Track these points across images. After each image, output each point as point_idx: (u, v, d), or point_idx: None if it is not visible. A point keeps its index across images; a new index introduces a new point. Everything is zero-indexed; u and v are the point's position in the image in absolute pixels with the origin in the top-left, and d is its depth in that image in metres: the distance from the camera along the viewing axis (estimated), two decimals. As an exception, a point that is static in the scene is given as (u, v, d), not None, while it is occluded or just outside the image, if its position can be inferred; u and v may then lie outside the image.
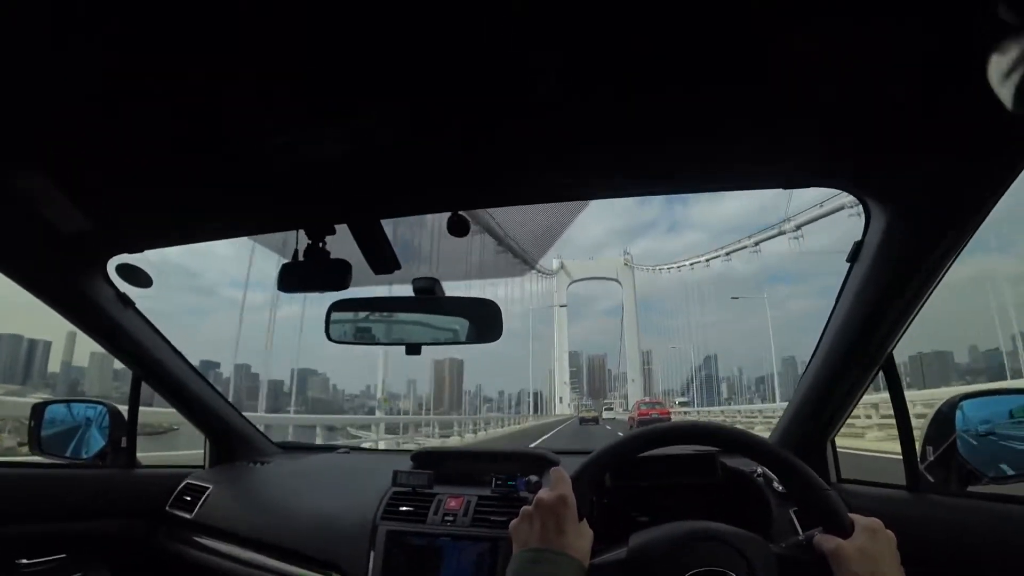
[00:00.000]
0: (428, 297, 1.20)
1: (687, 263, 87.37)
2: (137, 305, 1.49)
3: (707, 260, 79.81)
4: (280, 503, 1.56)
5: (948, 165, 0.80)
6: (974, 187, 0.81)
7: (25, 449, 6.32)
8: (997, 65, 0.32)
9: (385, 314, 1.29)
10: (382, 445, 11.99)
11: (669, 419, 29.34)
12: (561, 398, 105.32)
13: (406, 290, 1.20)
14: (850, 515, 0.79)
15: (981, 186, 0.80)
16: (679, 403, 75.69)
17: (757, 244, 64.58)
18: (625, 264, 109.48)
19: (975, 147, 0.75)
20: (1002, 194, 0.79)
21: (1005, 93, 0.32)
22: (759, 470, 1.24)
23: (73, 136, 0.84)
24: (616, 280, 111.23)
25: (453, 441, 16.94)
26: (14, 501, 1.41)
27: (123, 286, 1.42)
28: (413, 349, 1.23)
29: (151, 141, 0.86)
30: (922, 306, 1.02)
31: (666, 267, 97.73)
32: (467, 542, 1.24)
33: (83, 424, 1.73)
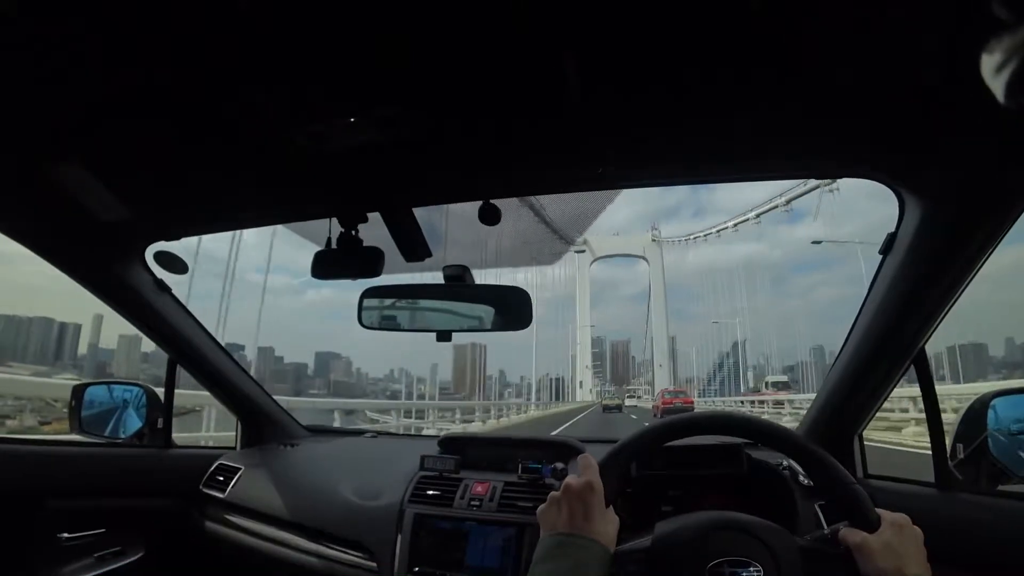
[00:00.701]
0: (458, 285, 1.22)
1: (714, 231, 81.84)
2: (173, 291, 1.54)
3: (735, 225, 74.07)
4: (309, 485, 1.60)
5: (983, 158, 0.78)
6: (1010, 180, 0.80)
7: (46, 428, 6.54)
8: (989, 60, 0.32)
9: (416, 301, 1.31)
10: (401, 429, 11.98)
11: (693, 408, 28.55)
12: (582, 383, 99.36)
13: (437, 277, 1.22)
14: (877, 510, 0.79)
15: (1017, 179, 0.79)
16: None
17: (788, 203, 60.78)
18: (653, 240, 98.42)
19: (1012, 139, 0.74)
20: None
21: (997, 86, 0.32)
22: (785, 463, 1.23)
23: (112, 129, 0.88)
24: (643, 257, 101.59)
25: (475, 427, 16.72)
26: (55, 478, 1.47)
27: (160, 272, 1.47)
28: (444, 336, 1.25)
29: (186, 132, 0.89)
30: (956, 299, 1.00)
31: (695, 237, 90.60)
32: (493, 526, 1.26)
33: (121, 405, 1.79)
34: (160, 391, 1.78)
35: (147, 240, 1.36)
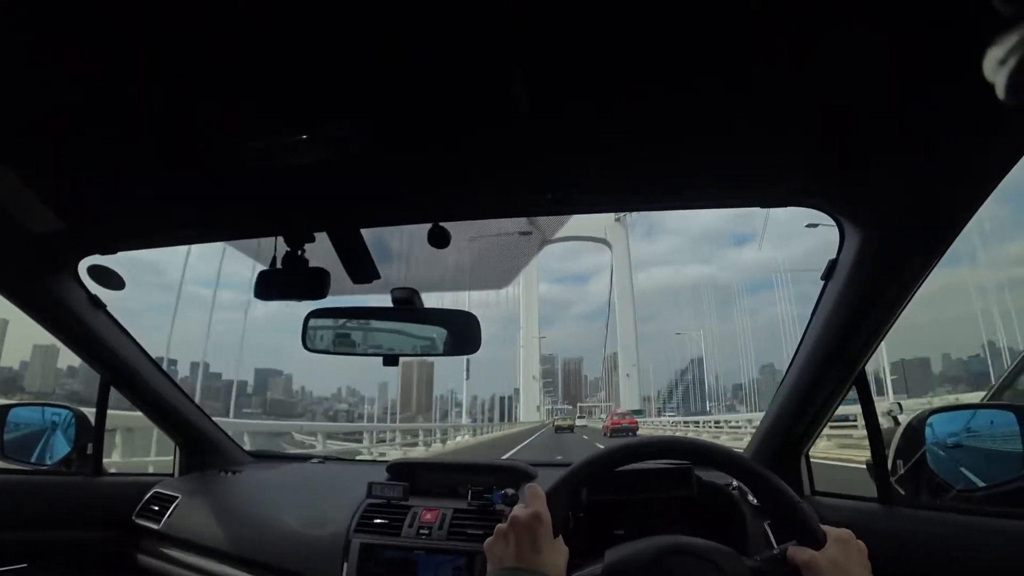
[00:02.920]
0: (407, 308, 1.20)
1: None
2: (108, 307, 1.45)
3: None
4: (251, 514, 1.52)
5: (918, 187, 0.82)
6: (945, 207, 0.83)
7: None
8: (992, 56, 0.33)
9: (363, 323, 1.28)
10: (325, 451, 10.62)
11: (637, 428, 30.46)
12: (532, 403, 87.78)
13: (385, 299, 1.19)
14: (822, 527, 0.81)
15: (952, 206, 0.82)
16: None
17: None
18: (616, 221, 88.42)
19: (947, 168, 0.77)
20: (974, 212, 0.81)
21: (1000, 81, 0.33)
22: (734, 484, 1.25)
23: (46, 135, 0.82)
24: (605, 241, 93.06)
25: (418, 452, 15.72)
26: None
27: (94, 288, 1.38)
28: (391, 360, 1.22)
29: (126, 142, 0.84)
30: (894, 322, 1.04)
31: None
32: (442, 556, 1.22)
33: (48, 429, 1.68)
34: (91, 413, 1.68)
35: (81, 253, 1.27)
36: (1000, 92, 0.33)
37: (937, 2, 0.53)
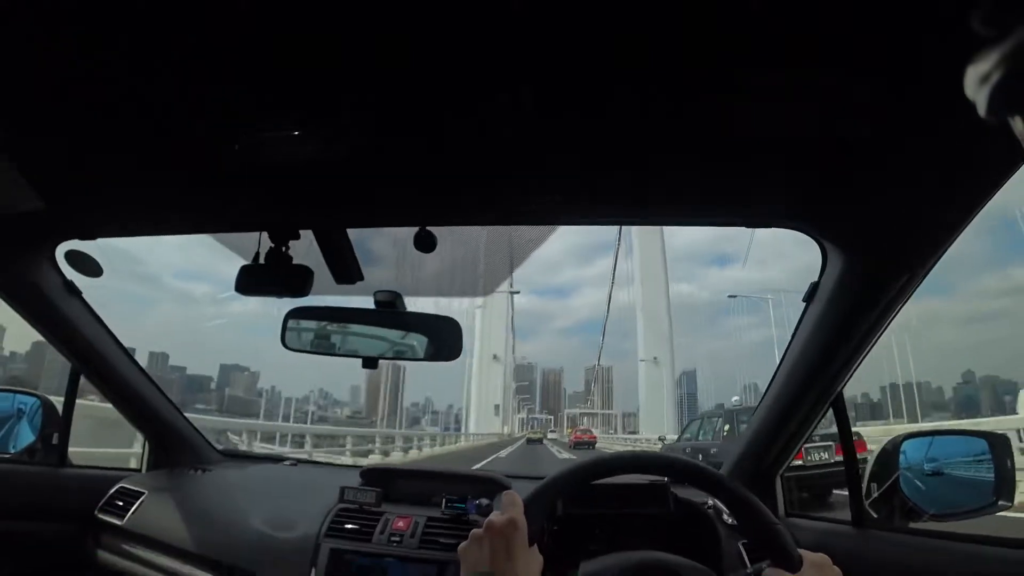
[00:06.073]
0: (389, 311, 1.19)
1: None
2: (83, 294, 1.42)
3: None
4: (220, 514, 1.49)
5: (902, 211, 0.83)
6: (926, 233, 0.85)
7: None
8: (972, 75, 0.33)
9: (344, 325, 1.26)
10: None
11: (595, 442, 33.19)
12: (490, 399, 69.33)
13: (367, 301, 1.18)
14: (799, 551, 0.80)
15: (933, 232, 0.84)
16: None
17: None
18: None
19: (928, 195, 0.78)
20: (954, 239, 0.83)
21: (980, 100, 0.33)
22: (710, 502, 1.25)
23: (28, 111, 0.80)
24: None
25: (373, 459, 13.91)
26: None
27: (70, 274, 1.35)
28: (370, 363, 1.20)
29: (112, 123, 0.82)
30: (873, 345, 1.05)
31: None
32: (413, 564, 1.21)
33: (13, 416, 1.62)
34: (59, 402, 1.63)
35: (59, 237, 1.24)
36: (981, 110, 0.33)
37: (921, 29, 0.54)
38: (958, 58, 0.33)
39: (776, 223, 0.99)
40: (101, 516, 1.55)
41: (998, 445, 1.16)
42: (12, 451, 1.58)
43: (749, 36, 0.58)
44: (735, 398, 16.75)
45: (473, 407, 70.39)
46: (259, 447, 11.02)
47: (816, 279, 1.03)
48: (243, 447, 10.19)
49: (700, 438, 9.13)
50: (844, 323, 1.03)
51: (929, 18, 0.52)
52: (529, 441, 43.39)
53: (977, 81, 0.33)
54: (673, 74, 0.65)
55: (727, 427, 8.24)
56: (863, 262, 0.94)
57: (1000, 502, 1.12)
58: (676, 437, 13.07)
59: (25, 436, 1.59)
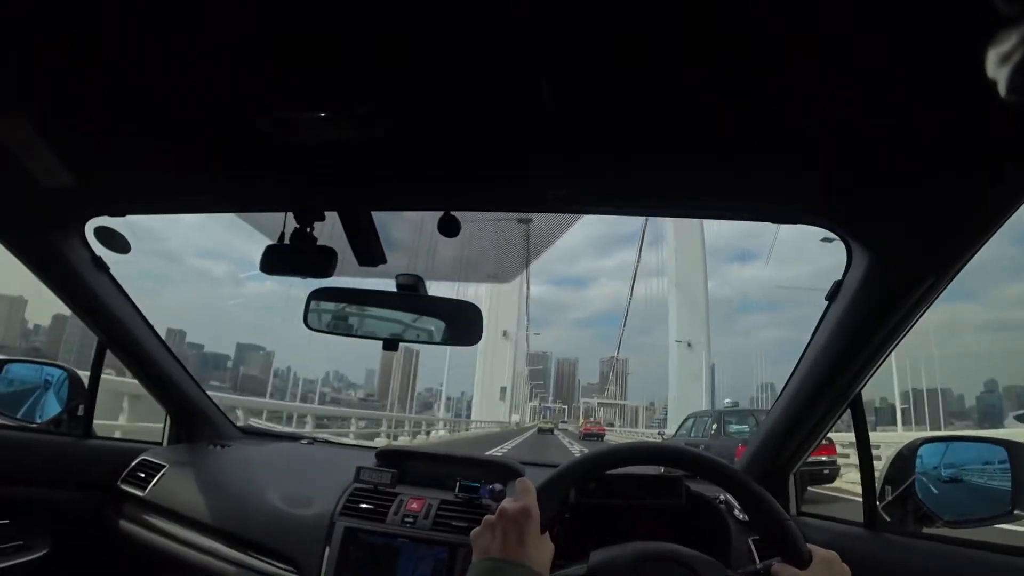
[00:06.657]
0: (410, 294, 1.20)
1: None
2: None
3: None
4: (237, 489, 1.52)
5: (931, 211, 0.82)
6: (955, 234, 0.83)
7: None
8: (994, 53, 0.33)
9: (366, 308, 1.27)
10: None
11: (604, 434, 34.98)
12: (496, 382, 65.18)
13: (389, 284, 1.19)
14: (809, 546, 0.81)
15: (963, 233, 0.82)
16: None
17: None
18: None
19: (958, 195, 0.77)
20: (985, 241, 0.81)
21: (1002, 78, 0.33)
22: (722, 496, 1.25)
23: (64, 88, 0.82)
24: None
25: (379, 443, 14.12)
26: None
27: (99, 249, 1.38)
28: (391, 345, 1.21)
29: (145, 103, 0.84)
30: (894, 348, 1.04)
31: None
32: (425, 545, 1.23)
33: (41, 387, 1.67)
34: (85, 375, 1.67)
35: (90, 213, 1.27)
36: (1002, 89, 0.33)
37: (948, 24, 0.53)
38: (987, 50, 0.33)
39: (802, 220, 0.98)
40: (123, 487, 1.60)
41: (1018, 454, 1.14)
42: (39, 421, 1.62)
43: (781, 32, 0.58)
44: (727, 400, 17.55)
45: (477, 390, 67.20)
46: (254, 423, 10.31)
47: (840, 278, 1.02)
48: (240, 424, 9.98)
49: (692, 435, 9.73)
50: (866, 323, 1.01)
51: (968, 14, 0.52)
52: (540, 431, 44.37)
53: (999, 60, 0.33)
54: (704, 70, 0.65)
55: (715, 426, 9.14)
56: (889, 262, 0.93)
57: (1016, 511, 1.10)
58: (673, 432, 13.48)
59: (52, 407, 1.64)
